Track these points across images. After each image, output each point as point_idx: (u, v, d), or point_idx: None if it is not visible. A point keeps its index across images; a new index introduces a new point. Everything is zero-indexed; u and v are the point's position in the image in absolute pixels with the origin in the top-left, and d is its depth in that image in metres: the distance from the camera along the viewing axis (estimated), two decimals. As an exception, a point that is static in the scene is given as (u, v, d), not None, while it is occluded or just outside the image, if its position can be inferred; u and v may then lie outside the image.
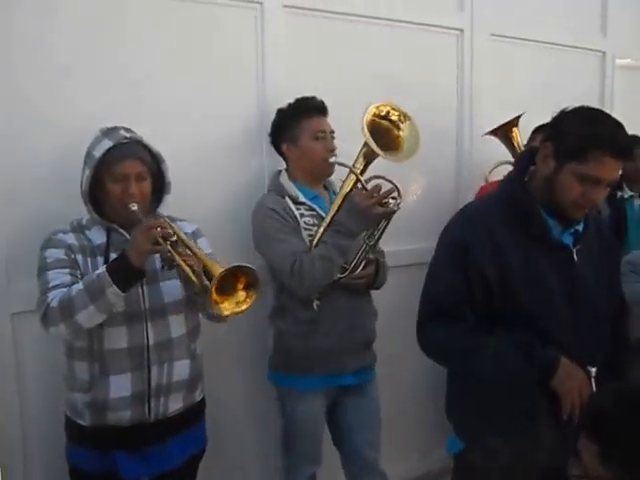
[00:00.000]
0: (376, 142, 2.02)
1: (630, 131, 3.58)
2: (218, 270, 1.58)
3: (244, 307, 1.65)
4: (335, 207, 2.12)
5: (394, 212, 2.05)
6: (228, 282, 1.62)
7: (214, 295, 1.59)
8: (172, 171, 1.87)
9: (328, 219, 2.11)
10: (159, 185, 1.87)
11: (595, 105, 3.65)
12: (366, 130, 2.02)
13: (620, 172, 3.49)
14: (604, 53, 3.67)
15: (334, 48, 2.67)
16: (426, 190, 3.01)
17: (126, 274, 1.64)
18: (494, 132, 2.99)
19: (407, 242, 2.82)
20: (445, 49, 3.06)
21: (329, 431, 2.37)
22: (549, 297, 1.63)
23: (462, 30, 3.07)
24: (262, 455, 2.60)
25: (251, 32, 2.46)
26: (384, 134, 2.10)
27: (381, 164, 2.13)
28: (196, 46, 2.34)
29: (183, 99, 2.31)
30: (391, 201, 2.01)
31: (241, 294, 1.65)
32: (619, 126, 1.56)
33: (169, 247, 1.64)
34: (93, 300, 1.62)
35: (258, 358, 2.43)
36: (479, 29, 3.11)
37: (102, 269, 1.66)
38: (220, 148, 2.41)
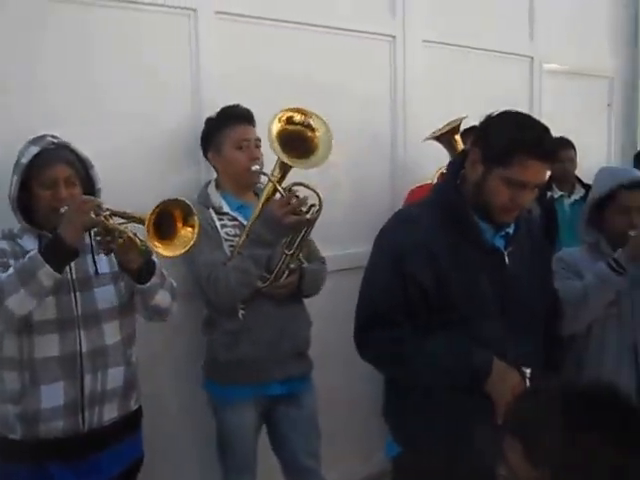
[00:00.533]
0: (293, 148, 2.02)
1: (558, 133, 3.75)
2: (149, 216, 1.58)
3: (195, 238, 1.66)
4: (253, 217, 2.11)
5: (310, 221, 2.05)
6: (166, 225, 1.62)
7: (155, 242, 1.58)
8: (102, 179, 1.86)
9: (247, 229, 2.11)
10: (89, 192, 1.84)
11: (524, 108, 3.84)
12: (274, 140, 2.02)
13: (549, 173, 3.65)
14: (532, 58, 3.81)
15: (267, 55, 2.69)
16: (361, 195, 3.05)
17: (60, 253, 1.61)
18: (437, 137, 3.01)
19: (342, 247, 2.85)
20: (378, 55, 3.12)
21: (268, 439, 2.38)
22: (483, 300, 1.64)
23: (394, 36, 3.14)
24: (201, 465, 2.56)
25: (185, 38, 2.46)
26: (299, 139, 2.09)
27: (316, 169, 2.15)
28: (130, 53, 2.32)
29: (116, 107, 2.28)
30: (304, 209, 2.02)
31: (186, 231, 1.65)
32: (544, 130, 1.57)
33: (103, 219, 1.62)
34: (24, 283, 1.58)
35: (195, 367, 2.41)
36: (411, 35, 3.18)
37: (34, 251, 1.63)
38: (153, 157, 2.39)
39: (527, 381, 1.56)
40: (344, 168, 2.93)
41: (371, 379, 2.69)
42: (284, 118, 2.06)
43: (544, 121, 3.98)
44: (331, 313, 2.61)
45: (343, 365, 2.69)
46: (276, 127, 2.04)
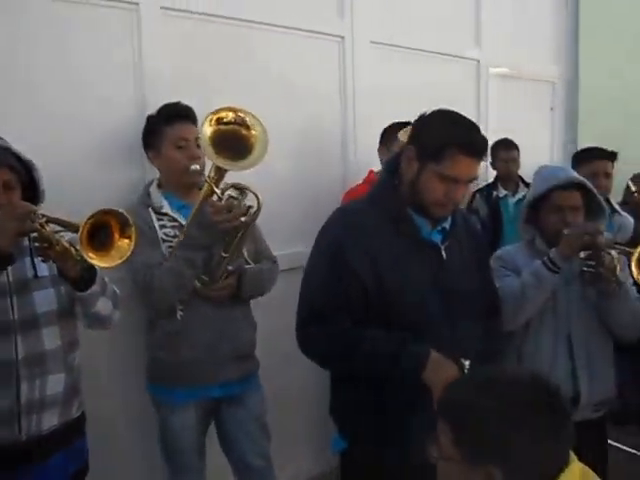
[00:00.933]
0: (228, 148, 1.97)
1: (504, 135, 3.85)
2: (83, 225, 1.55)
3: (132, 249, 1.64)
4: (189, 219, 2.07)
5: (247, 224, 2.03)
6: (103, 235, 1.60)
7: (89, 253, 1.55)
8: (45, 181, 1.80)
9: (183, 231, 2.07)
10: (31, 194, 1.77)
11: (472, 110, 3.93)
12: (207, 144, 1.96)
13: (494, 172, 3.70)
14: (478, 61, 3.89)
15: (214, 52, 2.66)
16: (312, 193, 3.05)
17: None
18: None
19: (294, 245, 2.83)
20: (327, 55, 3.13)
21: (218, 440, 2.35)
22: (422, 296, 1.67)
23: (343, 37, 3.15)
24: (148, 466, 2.51)
25: (127, 34, 2.40)
26: (234, 138, 2.02)
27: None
28: (71, 50, 2.25)
29: (57, 107, 2.22)
30: (241, 212, 1.99)
31: (122, 242, 1.63)
32: (473, 127, 1.62)
33: (37, 225, 1.57)
34: None
35: (141, 367, 2.36)
36: (359, 36, 3.21)
37: None
38: (96, 157, 2.33)
39: (466, 372, 1.58)
40: (295, 167, 2.93)
41: (321, 377, 2.69)
42: (214, 120, 1.99)
43: (491, 123, 4.11)
44: (281, 312, 2.59)
45: (289, 363, 2.68)
46: (208, 130, 1.97)
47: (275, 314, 2.56)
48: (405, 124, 2.68)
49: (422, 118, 1.68)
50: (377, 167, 2.98)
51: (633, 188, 3.83)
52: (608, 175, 2.97)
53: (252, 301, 2.33)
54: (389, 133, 2.83)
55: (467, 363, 1.58)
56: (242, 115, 2.01)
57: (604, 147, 3.04)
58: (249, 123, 2.01)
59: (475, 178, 1.69)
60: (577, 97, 4.40)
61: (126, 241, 1.63)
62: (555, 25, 4.43)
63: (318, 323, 1.66)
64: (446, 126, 1.60)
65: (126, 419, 2.47)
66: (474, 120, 3.34)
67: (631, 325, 2.10)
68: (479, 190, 3.79)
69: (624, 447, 3.72)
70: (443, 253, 1.72)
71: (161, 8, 2.46)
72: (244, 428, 2.27)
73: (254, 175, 2.09)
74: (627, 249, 1.96)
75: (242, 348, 2.24)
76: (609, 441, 3.67)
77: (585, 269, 2.03)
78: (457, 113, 1.65)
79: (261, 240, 2.34)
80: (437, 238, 1.73)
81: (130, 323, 2.31)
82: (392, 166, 1.76)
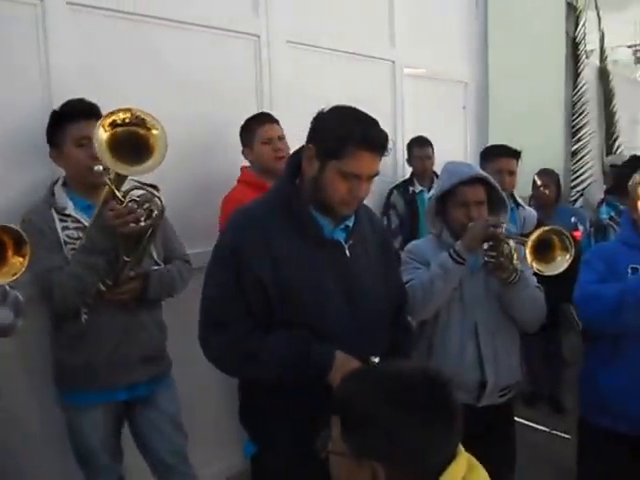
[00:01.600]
0: (128, 150, 1.88)
1: (420, 133, 3.95)
2: None
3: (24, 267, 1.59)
4: (91, 222, 2.01)
5: (150, 226, 2.00)
6: None
7: None
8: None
9: (84, 234, 2.02)
10: None
11: (387, 110, 4.02)
12: (103, 151, 1.84)
13: (411, 170, 3.78)
14: (393, 62, 3.99)
15: (122, 49, 2.61)
16: (223, 193, 3.00)
17: None
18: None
19: (205, 244, 2.78)
20: (242, 54, 3.12)
21: (133, 441, 2.33)
22: (326, 296, 1.65)
23: (258, 36, 3.16)
24: (62, 473, 2.45)
25: (32, 30, 2.33)
26: (132, 139, 1.92)
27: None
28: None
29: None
30: (142, 215, 1.95)
31: (16, 260, 1.59)
32: (372, 122, 1.60)
33: None
34: None
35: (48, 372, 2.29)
36: (275, 35, 3.22)
37: None
38: (1, 154, 2.26)
39: None
40: (206, 166, 2.91)
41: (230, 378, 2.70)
42: (107, 123, 1.86)
43: (406, 122, 4.21)
44: (194, 312, 2.57)
45: (199, 364, 2.66)
46: (103, 135, 1.84)
47: (187, 314, 2.53)
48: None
49: (320, 116, 1.65)
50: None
51: (539, 182, 4.05)
52: (512, 172, 3.11)
53: (164, 302, 2.31)
54: (247, 132, 2.79)
55: (377, 360, 1.56)
56: (140, 116, 1.92)
57: (509, 145, 3.19)
58: (149, 124, 1.92)
59: (377, 174, 1.67)
60: (487, 97, 4.59)
61: (20, 259, 1.59)
62: (465, 27, 4.60)
63: (218, 329, 1.64)
64: (345, 122, 1.58)
65: (39, 420, 2.40)
66: (390, 119, 3.45)
67: (531, 312, 2.21)
68: (396, 186, 3.90)
69: (539, 426, 3.92)
70: (347, 252, 1.71)
71: (67, 3, 2.40)
72: (158, 428, 2.26)
73: (162, 174, 2.05)
74: (523, 239, 2.08)
75: (149, 350, 2.21)
76: (524, 421, 3.91)
77: (487, 259, 2.11)
78: (355, 109, 1.64)
79: (173, 239, 2.32)
80: (340, 236, 1.72)
81: (39, 323, 2.24)
82: (293, 164, 1.73)
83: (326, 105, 1.66)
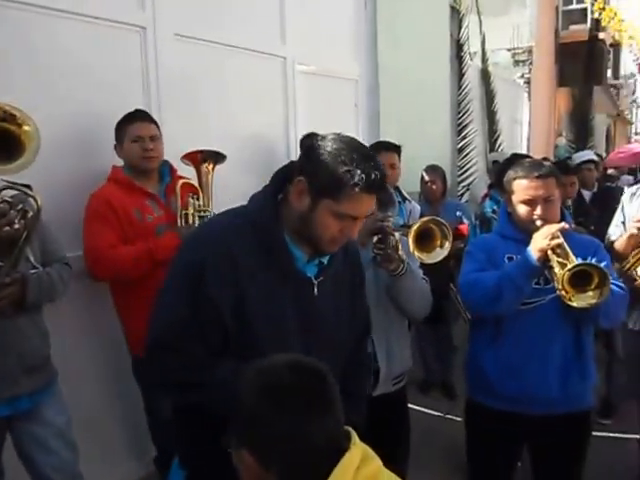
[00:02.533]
0: (1, 147, 1.79)
1: (313, 129, 3.96)
2: None
3: None
4: None
5: (24, 229, 1.91)
6: None
7: None
8: None
9: None
10: None
11: (280, 107, 4.02)
12: None
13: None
14: (285, 58, 3.99)
15: (11, 40, 2.46)
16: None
17: None
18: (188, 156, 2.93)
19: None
20: (128, 46, 3.01)
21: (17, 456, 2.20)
22: (285, 334, 1.57)
23: (144, 28, 3.06)
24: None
25: None
26: (4, 137, 1.83)
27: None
28: None
29: None
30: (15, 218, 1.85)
31: None
32: (371, 159, 1.49)
33: None
34: None
35: None
36: (162, 28, 3.13)
37: None
38: None
39: None
40: (91, 162, 2.78)
41: (131, 385, 2.61)
42: None
43: (299, 119, 4.23)
44: (78, 316, 2.46)
45: (94, 371, 2.57)
46: None
47: (71, 318, 2.43)
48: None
49: (315, 146, 1.50)
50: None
51: (426, 178, 4.22)
52: (393, 166, 3.21)
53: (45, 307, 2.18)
54: (119, 129, 2.70)
55: None
56: (10, 111, 1.80)
57: (394, 141, 3.28)
58: (19, 120, 1.81)
59: (372, 212, 1.57)
60: (378, 95, 4.71)
61: None
62: (355, 26, 4.70)
63: (167, 352, 1.53)
64: (344, 161, 1.44)
65: None
66: (282, 116, 3.43)
67: (419, 302, 2.28)
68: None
69: (434, 412, 4.07)
70: (315, 289, 1.61)
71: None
72: (43, 443, 2.14)
73: (36, 172, 1.95)
74: (407, 230, 2.16)
75: (31, 359, 2.10)
76: (419, 408, 4.06)
77: (376, 252, 2.17)
78: (353, 142, 1.51)
79: (51, 241, 2.20)
80: (312, 271, 1.62)
81: None
82: (278, 181, 1.60)
83: (218, 101, 1.57)
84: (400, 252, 2.14)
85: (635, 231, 2.75)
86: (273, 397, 1.08)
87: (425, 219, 2.14)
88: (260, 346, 1.50)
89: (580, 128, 10.87)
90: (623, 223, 3.01)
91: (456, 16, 6.35)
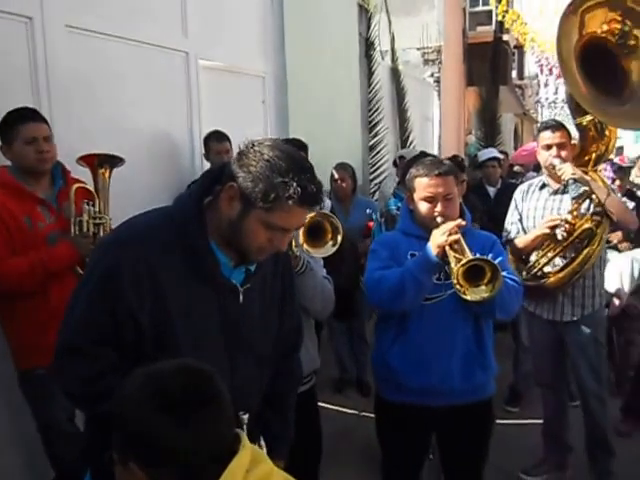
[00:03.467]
0: None
1: (219, 126, 3.87)
2: None
3: None
4: None
5: None
6: None
7: None
8: None
9: None
10: None
11: (183, 103, 3.89)
12: None
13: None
14: (187, 53, 3.86)
15: None
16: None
17: None
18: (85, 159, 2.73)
19: None
20: (13, 38, 2.80)
21: None
22: (206, 343, 1.50)
23: (31, 18, 2.85)
24: None
25: None
26: None
27: None
28: None
29: None
30: None
31: None
32: (308, 171, 1.43)
33: None
34: None
35: None
36: (51, 18, 2.93)
37: None
38: None
39: (244, 427, 1.45)
40: None
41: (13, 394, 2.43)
42: None
43: (204, 115, 4.10)
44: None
45: None
46: None
47: None
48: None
49: (248, 152, 1.43)
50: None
51: (336, 176, 4.22)
52: None
53: None
54: (7, 129, 2.50)
55: (246, 417, 1.47)
56: None
57: (301, 139, 3.24)
58: None
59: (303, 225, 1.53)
60: (286, 92, 4.66)
61: None
62: (262, 21, 4.62)
63: (77, 357, 1.44)
64: (279, 172, 1.38)
65: None
66: (186, 113, 3.29)
67: (321, 301, 2.28)
68: (193, 183, 3.80)
69: (349, 410, 4.08)
70: (241, 296, 1.55)
71: None
72: None
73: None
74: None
75: None
76: (334, 407, 4.06)
77: None
78: (290, 152, 1.45)
79: None
80: (238, 278, 1.56)
81: None
82: (205, 184, 1.53)
83: (116, 96, 1.45)
84: (295, 249, 2.12)
85: (547, 230, 2.86)
86: (161, 402, 1.05)
87: (315, 214, 2.13)
88: (182, 353, 1.42)
89: (488, 126, 11.27)
90: (520, 221, 3.11)
91: (365, 15, 6.42)
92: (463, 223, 2.11)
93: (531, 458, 3.42)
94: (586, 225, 2.83)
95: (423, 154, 3.97)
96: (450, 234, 2.05)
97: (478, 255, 1.99)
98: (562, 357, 3.20)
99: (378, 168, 6.17)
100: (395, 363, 2.24)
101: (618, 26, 2.82)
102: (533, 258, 3.02)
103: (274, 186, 1.38)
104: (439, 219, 2.15)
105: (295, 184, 1.38)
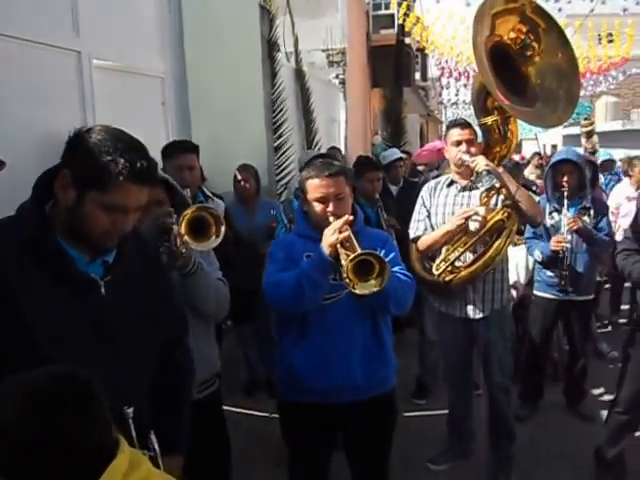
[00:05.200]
0: None
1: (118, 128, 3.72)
2: None
3: None
4: None
5: None
6: None
7: None
8: None
9: None
10: None
11: (75, 104, 3.72)
12: None
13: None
14: (79, 53, 3.69)
15: None
16: None
17: None
18: None
19: None
20: None
21: None
22: (72, 339, 1.46)
23: None
24: None
25: None
26: None
27: None
28: None
29: None
30: None
31: None
32: (138, 148, 1.46)
33: None
34: None
35: None
36: None
37: None
38: None
39: (130, 421, 1.45)
40: None
41: None
42: None
43: (99, 117, 3.93)
44: None
45: None
46: None
47: None
48: None
49: (77, 136, 1.45)
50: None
51: (239, 177, 4.19)
52: (192, 168, 3.10)
53: None
54: None
55: (130, 411, 1.46)
56: None
57: (189, 140, 3.17)
58: None
59: (144, 204, 1.52)
60: (187, 93, 4.56)
61: None
62: (159, 20, 4.49)
63: None
64: (107, 149, 1.40)
65: None
66: (79, 115, 3.16)
67: (215, 302, 2.24)
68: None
69: (259, 413, 4.06)
70: (102, 289, 1.52)
71: None
72: None
73: None
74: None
75: None
76: (244, 410, 4.02)
77: (162, 251, 2.08)
78: (119, 132, 1.48)
79: None
80: (97, 271, 1.53)
81: None
82: (40, 187, 1.51)
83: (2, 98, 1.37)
84: (181, 248, 2.08)
85: (462, 221, 2.92)
86: (32, 411, 1.03)
87: (197, 206, 2.13)
88: (44, 352, 1.39)
89: (394, 127, 11.55)
90: (428, 217, 3.19)
91: (267, 16, 6.41)
92: (350, 218, 2.13)
93: (438, 448, 3.54)
94: (497, 217, 2.92)
95: (334, 149, 4.02)
96: (340, 232, 2.07)
97: (368, 250, 2.01)
98: (472, 354, 3.32)
99: (284, 169, 6.17)
100: (298, 364, 2.25)
101: (522, 36, 2.97)
102: (443, 254, 3.09)
103: (103, 165, 1.40)
104: (331, 219, 2.17)
105: (123, 160, 1.40)
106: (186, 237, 2.06)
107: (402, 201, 4.37)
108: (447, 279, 3.03)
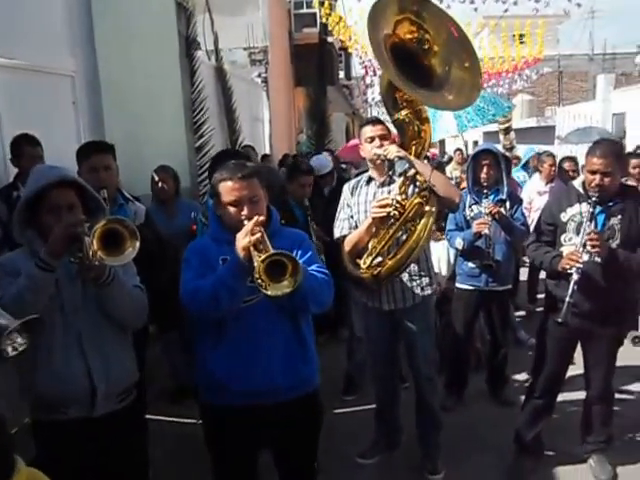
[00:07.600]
0: None
1: (27, 129, 3.54)
2: None
3: None
4: None
5: None
6: None
7: None
8: None
9: None
10: None
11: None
12: None
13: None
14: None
15: None
16: None
17: None
18: None
19: None
20: None
21: None
22: None
23: None
24: None
25: None
26: None
27: None
28: None
29: None
30: None
31: None
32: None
33: None
34: None
35: None
36: None
37: None
38: None
39: None
40: None
41: None
42: None
43: (6, 119, 3.70)
44: None
45: None
46: None
47: None
48: None
49: None
50: None
51: (156, 178, 4.07)
52: (108, 167, 3.00)
53: None
54: None
55: None
56: None
57: (105, 141, 3.06)
58: None
59: None
60: (99, 92, 4.39)
61: None
62: (68, 16, 4.30)
63: None
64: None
65: None
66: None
67: (132, 311, 2.19)
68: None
69: (187, 420, 3.95)
70: None
71: None
72: None
73: None
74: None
75: None
76: (171, 418, 3.91)
77: (72, 260, 2.01)
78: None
79: None
80: None
81: None
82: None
83: None
84: (94, 260, 2.00)
85: (380, 210, 2.86)
86: None
87: (107, 220, 2.02)
88: None
89: (319, 125, 11.61)
90: (351, 216, 3.18)
91: (184, 13, 6.26)
92: (261, 219, 2.08)
93: (368, 442, 3.55)
94: (416, 201, 2.88)
95: (248, 147, 3.97)
96: (252, 234, 2.02)
97: (279, 250, 1.97)
98: (397, 347, 3.34)
99: (206, 170, 6.03)
100: (217, 368, 2.20)
101: (416, 35, 3.00)
102: (369, 249, 3.04)
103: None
104: (246, 222, 2.10)
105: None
106: (99, 252, 1.96)
107: (332, 199, 4.36)
108: (375, 273, 3.02)
